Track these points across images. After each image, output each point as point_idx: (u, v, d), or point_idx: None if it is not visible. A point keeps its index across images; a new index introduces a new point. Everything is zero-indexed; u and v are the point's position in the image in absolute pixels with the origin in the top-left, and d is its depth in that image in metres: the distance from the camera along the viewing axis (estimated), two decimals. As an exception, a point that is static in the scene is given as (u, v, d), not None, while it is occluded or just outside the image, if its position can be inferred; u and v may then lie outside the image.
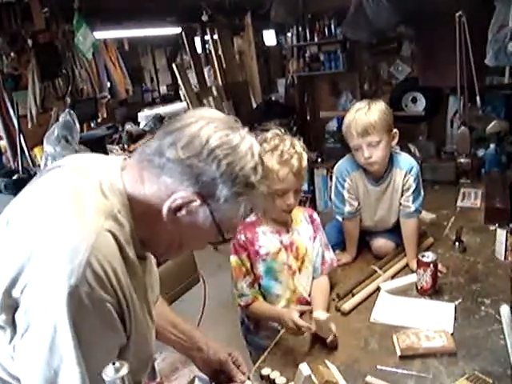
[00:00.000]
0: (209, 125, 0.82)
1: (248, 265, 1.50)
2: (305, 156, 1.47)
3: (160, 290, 2.16)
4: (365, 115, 1.71)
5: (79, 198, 0.80)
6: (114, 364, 0.65)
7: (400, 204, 1.88)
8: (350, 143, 1.79)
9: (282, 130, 1.48)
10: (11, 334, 0.76)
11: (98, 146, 3.73)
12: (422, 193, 1.89)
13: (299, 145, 1.47)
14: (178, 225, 0.84)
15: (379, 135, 1.71)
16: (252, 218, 1.51)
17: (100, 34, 3.88)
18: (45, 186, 0.87)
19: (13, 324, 0.76)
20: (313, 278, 1.62)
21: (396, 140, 1.81)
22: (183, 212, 0.82)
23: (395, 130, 1.79)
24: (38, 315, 0.73)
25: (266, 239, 1.51)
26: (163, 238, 0.88)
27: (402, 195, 1.87)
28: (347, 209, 1.91)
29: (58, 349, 0.73)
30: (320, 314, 1.38)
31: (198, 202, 0.81)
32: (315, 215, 1.67)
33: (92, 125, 4.45)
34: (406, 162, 1.85)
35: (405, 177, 1.84)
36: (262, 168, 0.86)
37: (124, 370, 0.65)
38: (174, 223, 0.83)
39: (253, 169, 0.83)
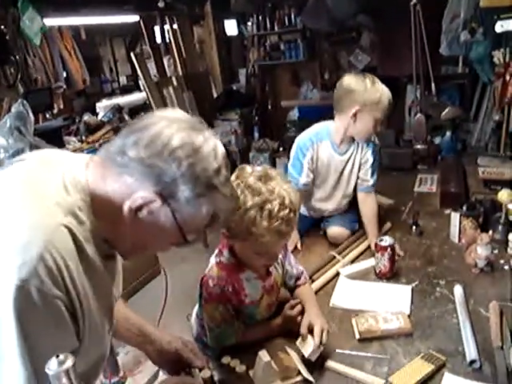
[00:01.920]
0: (171, 125, 0.81)
1: (232, 312, 1.33)
2: (297, 201, 1.25)
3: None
4: (386, 92, 1.83)
5: (39, 191, 0.79)
6: (57, 357, 0.62)
7: (358, 178, 1.97)
8: (368, 114, 1.81)
9: (269, 170, 1.25)
10: None
11: (54, 137, 3.60)
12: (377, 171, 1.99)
13: (290, 191, 1.22)
14: (140, 225, 0.83)
15: None
16: (232, 260, 1.32)
17: (53, 21, 3.73)
18: (6, 177, 0.85)
19: None
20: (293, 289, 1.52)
21: None
22: (144, 212, 0.81)
23: None
24: None
25: (251, 286, 1.34)
26: (126, 237, 0.87)
27: (359, 169, 1.96)
28: (303, 180, 1.94)
29: (0, 343, 0.70)
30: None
31: (158, 203, 0.80)
32: None
33: (48, 116, 4.29)
34: None
35: (362, 150, 1.94)
36: (226, 170, 0.86)
37: (68, 363, 0.62)
38: (135, 223, 0.83)
39: (215, 171, 0.82)
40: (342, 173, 1.98)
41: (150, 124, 0.82)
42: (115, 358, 1.57)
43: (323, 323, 1.30)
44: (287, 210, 1.19)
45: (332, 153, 1.94)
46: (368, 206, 1.94)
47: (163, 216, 0.82)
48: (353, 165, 1.96)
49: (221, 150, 0.86)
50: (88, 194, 0.82)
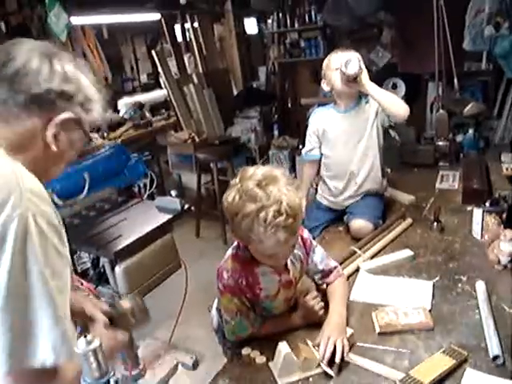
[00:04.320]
0: (24, 47, 0.87)
1: (248, 304, 1.34)
2: (299, 205, 1.19)
3: (141, 275, 2.16)
4: (338, 52, 2.05)
5: None
6: (85, 337, 0.64)
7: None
8: (333, 67, 2.02)
9: (273, 171, 1.21)
10: None
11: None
12: None
13: (291, 195, 1.17)
14: (52, 151, 0.89)
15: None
16: (248, 255, 1.32)
17: (77, 20, 3.79)
18: None
19: None
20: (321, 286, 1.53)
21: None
22: (63, 137, 0.90)
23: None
24: None
25: (266, 281, 1.33)
26: (42, 167, 0.92)
27: (375, 126, 2.07)
28: (304, 149, 2.23)
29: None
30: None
31: (70, 121, 0.89)
32: (306, 234, 1.46)
33: (70, 113, 4.36)
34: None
35: (371, 106, 2.06)
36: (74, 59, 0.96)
37: (96, 343, 0.64)
38: (49, 150, 0.89)
39: (58, 78, 0.87)
40: (351, 128, 2.08)
41: (9, 60, 0.84)
42: (136, 351, 1.60)
43: (332, 334, 1.26)
44: (283, 217, 1.13)
45: (335, 114, 2.12)
46: None
47: (73, 129, 0.91)
48: (366, 120, 2.05)
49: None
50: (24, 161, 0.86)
